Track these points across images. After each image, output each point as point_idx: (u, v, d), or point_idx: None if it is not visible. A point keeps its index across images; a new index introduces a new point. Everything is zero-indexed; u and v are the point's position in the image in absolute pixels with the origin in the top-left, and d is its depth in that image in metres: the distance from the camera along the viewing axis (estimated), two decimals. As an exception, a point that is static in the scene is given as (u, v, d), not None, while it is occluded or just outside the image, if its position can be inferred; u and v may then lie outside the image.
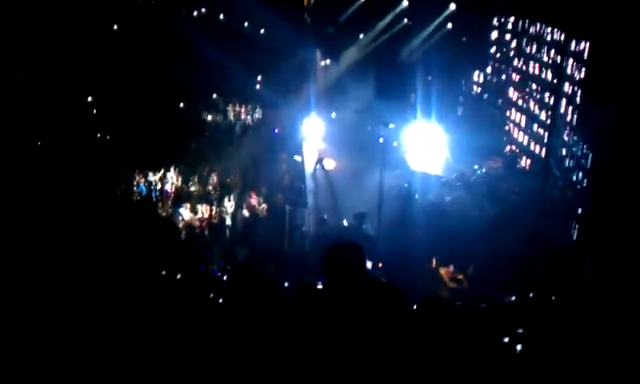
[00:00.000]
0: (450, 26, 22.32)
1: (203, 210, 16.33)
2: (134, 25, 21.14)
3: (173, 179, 17.90)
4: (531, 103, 20.20)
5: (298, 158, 20.39)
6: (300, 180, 19.24)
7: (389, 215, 15.97)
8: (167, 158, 18.59)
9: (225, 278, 12.47)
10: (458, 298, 11.85)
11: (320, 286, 3.38)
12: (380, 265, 12.84)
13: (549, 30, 18.86)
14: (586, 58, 15.81)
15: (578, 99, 16.23)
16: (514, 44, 21.88)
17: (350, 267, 3.09)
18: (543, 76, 19.27)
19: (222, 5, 22.15)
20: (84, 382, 2.40)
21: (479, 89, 24.59)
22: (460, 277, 14.25)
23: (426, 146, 18.54)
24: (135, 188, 17.28)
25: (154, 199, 17.07)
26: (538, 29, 19.75)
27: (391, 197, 16.92)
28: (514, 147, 21.28)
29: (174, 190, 17.54)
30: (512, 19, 22.06)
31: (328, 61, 24.32)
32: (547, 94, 18.81)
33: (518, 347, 5.24)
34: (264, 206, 17.19)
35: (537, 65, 19.82)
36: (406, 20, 22.29)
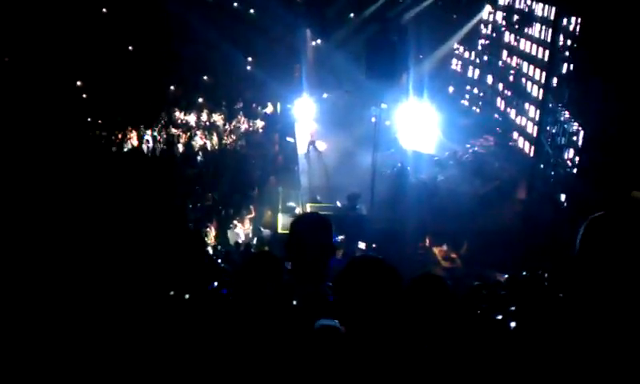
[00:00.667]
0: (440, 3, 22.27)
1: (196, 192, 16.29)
2: (124, 6, 20.96)
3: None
4: (522, 80, 20.19)
5: (290, 139, 20.36)
6: (293, 161, 19.22)
7: (382, 195, 15.99)
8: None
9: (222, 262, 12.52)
10: (452, 276, 11.93)
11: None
12: (374, 245, 12.87)
13: (540, 6, 18.80)
14: (577, 34, 15.78)
15: (569, 76, 16.23)
16: (504, 21, 21.82)
17: (316, 243, 3.04)
18: (534, 53, 19.24)
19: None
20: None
21: (470, 67, 24.55)
22: (453, 255, 14.33)
23: (419, 125, 18.53)
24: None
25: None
26: (529, 5, 19.68)
27: (384, 177, 16.93)
28: (506, 126, 21.32)
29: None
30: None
31: (319, 41, 24.20)
32: (538, 71, 18.79)
33: (512, 324, 5.28)
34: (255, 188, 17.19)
35: (528, 42, 19.78)
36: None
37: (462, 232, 14.89)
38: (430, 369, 2.46)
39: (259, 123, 21.06)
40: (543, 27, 18.55)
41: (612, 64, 13.46)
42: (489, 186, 17.76)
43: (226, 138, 19.99)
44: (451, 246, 14.53)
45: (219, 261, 12.62)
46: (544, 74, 17.96)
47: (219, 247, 13.94)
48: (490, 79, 23.05)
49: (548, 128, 17.11)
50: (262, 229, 15.00)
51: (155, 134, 19.22)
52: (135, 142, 18.75)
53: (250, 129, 20.89)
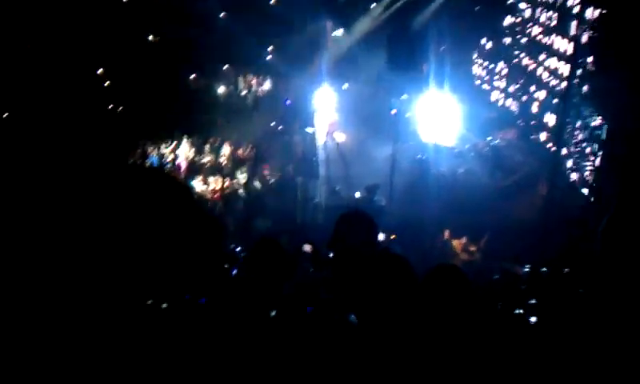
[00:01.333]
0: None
1: (215, 182, 16.39)
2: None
3: (185, 151, 17.96)
4: (545, 73, 19.93)
5: (309, 129, 20.35)
6: (312, 152, 19.23)
7: (401, 187, 15.96)
8: (178, 128, 18.64)
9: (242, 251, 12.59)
10: (471, 269, 11.88)
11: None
12: (392, 237, 12.85)
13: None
14: (601, 25, 15.54)
15: (592, 69, 15.99)
16: (528, 13, 21.52)
17: (361, 238, 3.03)
18: (557, 46, 18.97)
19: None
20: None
21: (492, 59, 24.28)
22: (472, 248, 14.26)
23: (439, 117, 18.40)
24: (146, 160, 17.37)
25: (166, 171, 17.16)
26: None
27: (404, 168, 16.88)
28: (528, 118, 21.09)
29: (185, 162, 17.61)
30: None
31: (339, 31, 24.10)
32: (562, 64, 18.54)
33: (532, 319, 5.26)
34: (274, 178, 17.25)
35: (551, 34, 19.50)
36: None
37: (481, 225, 14.82)
38: (447, 362, 2.45)
39: (279, 113, 21.08)
40: (567, 19, 18.27)
41: (636, 56, 13.25)
42: (509, 179, 17.64)
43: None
44: (470, 239, 14.46)
45: (238, 250, 12.75)
46: (567, 66, 17.71)
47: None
48: (511, 71, 22.78)
49: (570, 121, 16.89)
50: None
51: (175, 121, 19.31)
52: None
53: (270, 117, 20.91)
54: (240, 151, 18.48)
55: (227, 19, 19.89)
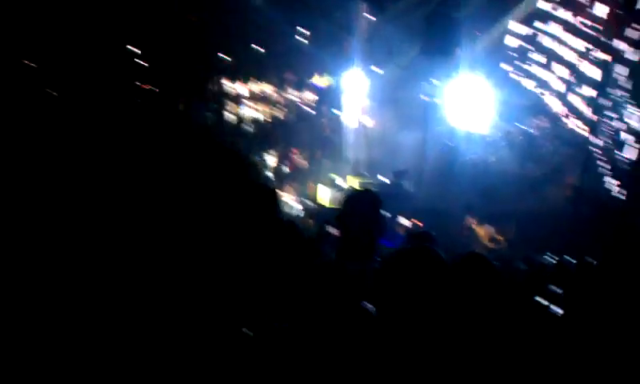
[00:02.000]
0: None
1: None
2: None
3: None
4: (581, 61, 19.48)
5: (338, 112, 20.29)
6: (339, 135, 19.18)
7: (430, 173, 15.83)
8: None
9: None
10: (497, 258, 11.75)
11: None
12: (421, 224, 12.78)
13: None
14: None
15: (630, 57, 15.59)
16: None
17: (365, 218, 3.01)
18: (594, 32, 18.50)
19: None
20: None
21: (527, 44, 23.80)
22: (499, 237, 14.11)
23: (472, 104, 18.15)
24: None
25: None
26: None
27: (433, 155, 16.73)
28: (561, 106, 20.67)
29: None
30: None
31: (372, 14, 23.87)
32: (598, 51, 18.08)
33: (559, 311, 5.18)
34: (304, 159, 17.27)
35: (588, 20, 19.02)
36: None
37: (510, 214, 14.65)
38: (471, 354, 2.42)
39: (308, 95, 21.04)
40: (607, 5, 17.80)
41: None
42: (540, 168, 17.36)
43: (275, 109, 20.05)
44: (498, 228, 14.31)
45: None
46: (604, 54, 17.28)
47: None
48: (546, 58, 22.31)
49: (605, 111, 16.52)
50: (309, 201, 15.10)
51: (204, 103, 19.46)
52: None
53: (299, 101, 20.89)
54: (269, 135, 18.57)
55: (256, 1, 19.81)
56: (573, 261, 10.15)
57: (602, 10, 18.09)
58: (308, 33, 22.80)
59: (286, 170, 16.86)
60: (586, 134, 17.98)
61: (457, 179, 15.95)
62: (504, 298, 3.27)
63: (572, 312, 5.09)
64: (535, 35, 23.18)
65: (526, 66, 23.74)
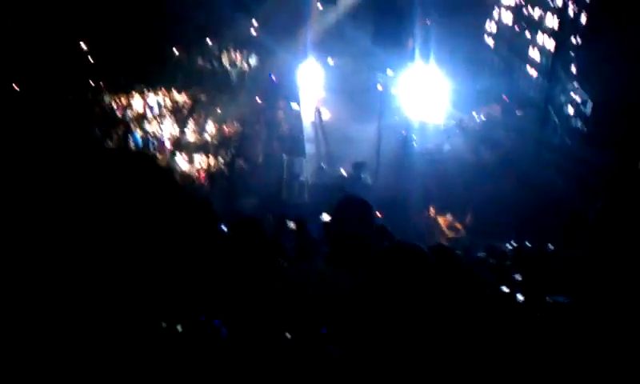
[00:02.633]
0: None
1: (201, 160, 16.21)
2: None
3: (169, 129, 17.72)
4: (532, 49, 19.92)
5: (295, 105, 20.17)
6: (297, 129, 19.08)
7: (387, 164, 15.91)
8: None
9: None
10: (457, 246, 11.91)
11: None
12: (379, 214, 12.83)
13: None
14: (588, 1, 15.52)
15: (578, 44, 16.00)
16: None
17: (359, 222, 2.93)
18: (545, 21, 18.94)
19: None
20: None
21: (479, 33, 24.19)
22: (458, 225, 14.30)
23: (425, 94, 18.33)
24: (130, 137, 17.11)
25: (151, 149, 16.90)
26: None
27: (389, 145, 16.81)
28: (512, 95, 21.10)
29: (170, 139, 17.38)
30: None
31: (325, 4, 23.81)
32: (547, 39, 18.53)
33: (520, 297, 5.26)
34: (259, 155, 17.10)
35: (538, 8, 19.45)
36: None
37: (466, 201, 14.85)
38: (439, 348, 2.41)
39: (262, 89, 20.85)
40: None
41: (623, 31, 13.26)
42: (494, 155, 17.65)
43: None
44: (456, 216, 14.50)
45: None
46: (553, 42, 17.71)
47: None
48: (498, 46, 22.74)
49: (556, 97, 16.94)
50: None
51: (159, 98, 19.05)
52: (140, 108, 18.60)
53: (255, 95, 20.68)
54: (225, 128, 18.27)
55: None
56: (530, 247, 10.39)
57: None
58: (261, 24, 22.60)
59: (242, 164, 16.66)
60: (537, 119, 18.43)
61: (413, 169, 16.09)
62: (467, 289, 3.27)
63: (534, 298, 5.17)
64: (486, 23, 23.62)
65: (478, 54, 24.13)
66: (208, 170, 16.03)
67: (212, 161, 16.41)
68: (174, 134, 17.59)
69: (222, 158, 16.67)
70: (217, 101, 19.58)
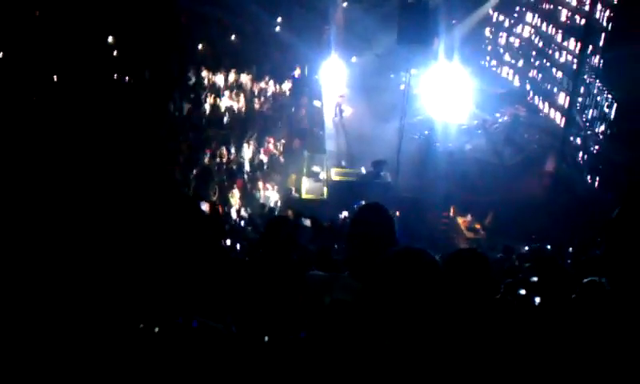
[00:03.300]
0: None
1: (222, 154, 16.30)
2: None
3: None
4: (556, 50, 19.67)
5: (317, 103, 20.19)
6: (319, 125, 19.10)
7: (408, 163, 15.84)
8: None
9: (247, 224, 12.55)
10: (476, 247, 11.83)
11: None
12: (397, 213, 12.80)
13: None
14: (615, 2, 15.27)
15: (604, 46, 15.77)
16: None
17: (380, 235, 2.87)
18: (569, 22, 18.68)
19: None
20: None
21: (505, 34, 23.96)
22: (477, 226, 14.20)
23: (448, 93, 18.20)
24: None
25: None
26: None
27: (411, 144, 16.74)
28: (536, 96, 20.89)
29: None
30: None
31: (349, 2, 23.79)
32: (573, 41, 18.28)
33: (537, 299, 5.21)
34: (280, 149, 17.14)
35: (564, 10, 19.20)
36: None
37: (487, 202, 14.74)
38: (453, 352, 2.40)
39: (286, 86, 20.93)
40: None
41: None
42: (517, 156, 17.50)
43: (253, 99, 19.89)
44: (476, 217, 14.40)
45: (242, 224, 12.72)
46: (578, 43, 17.46)
47: (242, 211, 13.98)
48: (523, 47, 22.49)
49: (580, 99, 16.71)
50: (293, 192, 15.03)
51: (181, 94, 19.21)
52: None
53: (277, 91, 20.75)
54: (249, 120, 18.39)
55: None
56: (550, 249, 10.28)
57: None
58: (285, 22, 22.64)
59: (264, 159, 16.74)
60: (562, 123, 18.20)
61: (434, 168, 16.01)
62: (493, 294, 3.21)
63: (551, 301, 5.12)
64: (512, 24, 23.36)
65: (503, 55, 23.93)
66: (229, 164, 16.11)
67: (233, 156, 16.49)
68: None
69: (244, 153, 16.76)
70: (239, 95, 19.68)
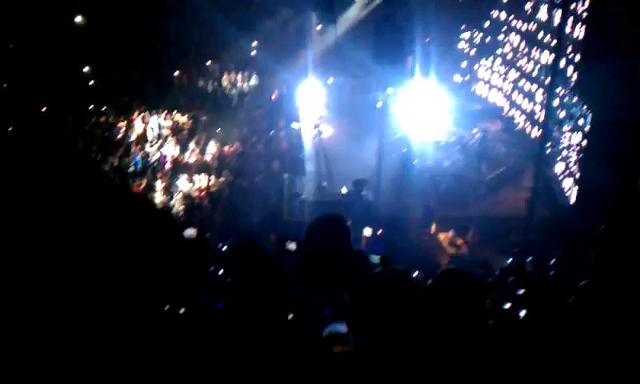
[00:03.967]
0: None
1: (201, 181, 16.23)
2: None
3: (170, 150, 17.74)
4: (530, 64, 19.97)
5: (295, 125, 20.22)
6: (298, 147, 19.12)
7: (388, 181, 15.91)
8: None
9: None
10: (458, 263, 11.86)
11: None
12: (379, 232, 12.82)
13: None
14: (586, 16, 15.57)
15: (577, 59, 16.04)
16: (513, 4, 21.54)
17: (334, 245, 2.85)
18: (541, 36, 19.02)
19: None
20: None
21: (478, 50, 24.28)
22: (459, 242, 14.25)
23: (425, 111, 18.33)
24: (130, 159, 17.14)
25: (151, 171, 16.92)
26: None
27: (390, 163, 16.81)
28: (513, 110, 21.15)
29: (171, 160, 17.41)
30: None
31: (324, 25, 23.96)
32: (546, 54, 18.58)
33: (521, 313, 5.22)
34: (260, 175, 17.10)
35: (535, 25, 19.54)
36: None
37: (468, 218, 14.83)
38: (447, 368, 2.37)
39: (264, 108, 20.96)
40: (552, 9, 18.31)
41: (621, 45, 13.30)
42: (495, 171, 17.65)
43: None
44: (457, 233, 14.46)
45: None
46: (551, 56, 17.74)
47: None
48: (497, 62, 22.80)
49: (555, 112, 16.94)
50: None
51: (160, 120, 19.13)
52: (140, 130, 18.66)
53: (255, 114, 20.78)
54: (226, 148, 18.30)
55: (209, 12, 19.53)
56: (530, 262, 10.34)
57: (544, 14, 18.62)
58: (261, 45, 22.72)
59: (243, 183, 16.67)
60: (537, 136, 18.40)
61: (414, 186, 16.09)
62: (482, 312, 3.19)
63: (535, 315, 5.13)
64: (486, 41, 23.69)
65: (478, 71, 24.23)
66: (208, 190, 16.02)
67: (212, 181, 16.41)
68: (174, 154, 17.62)
69: (223, 177, 16.68)
70: (217, 121, 19.64)
